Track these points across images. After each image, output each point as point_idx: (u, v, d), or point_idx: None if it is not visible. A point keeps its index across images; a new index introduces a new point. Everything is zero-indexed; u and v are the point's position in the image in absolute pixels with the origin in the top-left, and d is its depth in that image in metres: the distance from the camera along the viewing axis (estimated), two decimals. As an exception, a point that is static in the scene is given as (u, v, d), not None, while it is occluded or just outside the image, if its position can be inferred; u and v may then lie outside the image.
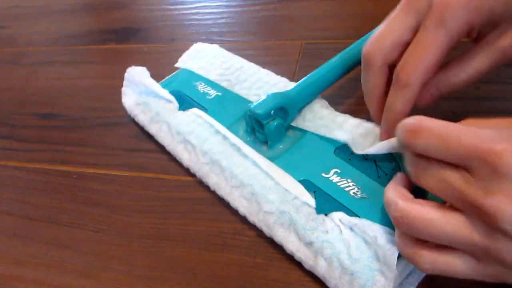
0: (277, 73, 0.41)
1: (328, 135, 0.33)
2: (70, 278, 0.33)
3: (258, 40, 0.51)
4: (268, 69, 0.42)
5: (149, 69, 0.43)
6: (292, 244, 0.29)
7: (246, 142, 0.35)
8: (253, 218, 0.31)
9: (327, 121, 0.34)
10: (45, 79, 0.54)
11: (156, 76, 0.43)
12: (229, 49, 0.46)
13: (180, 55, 0.47)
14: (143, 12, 0.62)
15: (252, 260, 0.31)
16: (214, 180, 0.34)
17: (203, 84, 0.42)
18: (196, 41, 0.49)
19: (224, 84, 0.41)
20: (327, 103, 0.36)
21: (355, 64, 0.35)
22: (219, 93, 0.40)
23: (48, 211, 0.38)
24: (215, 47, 0.46)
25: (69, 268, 0.34)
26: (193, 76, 0.44)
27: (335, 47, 0.45)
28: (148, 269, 0.32)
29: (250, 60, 0.44)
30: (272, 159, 0.33)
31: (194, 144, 0.36)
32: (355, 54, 0.36)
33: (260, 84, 0.39)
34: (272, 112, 0.33)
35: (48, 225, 0.37)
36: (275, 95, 0.34)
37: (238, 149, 0.34)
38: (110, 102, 0.47)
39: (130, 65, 0.44)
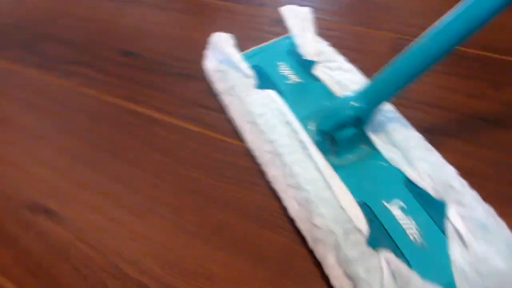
0: (362, 67, 0.39)
1: (399, 166, 0.30)
2: (121, 212, 0.34)
3: (348, 23, 0.49)
4: (353, 57, 0.40)
5: (232, 29, 0.43)
6: (330, 268, 0.27)
7: (315, 141, 0.33)
8: (300, 224, 0.30)
9: (400, 150, 0.31)
10: (131, 17, 0.55)
11: (237, 38, 0.43)
12: (316, 26, 0.44)
13: (267, 22, 0.46)
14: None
15: (299, 249, 0.30)
16: (273, 172, 0.33)
17: (285, 66, 0.41)
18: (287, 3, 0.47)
19: (318, 72, 0.39)
20: (404, 122, 0.33)
21: (441, 54, 0.27)
22: (301, 80, 0.39)
23: (113, 145, 0.40)
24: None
25: (122, 202, 0.35)
26: (278, 54, 0.42)
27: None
28: (194, 225, 0.33)
29: (335, 43, 0.42)
30: (336, 168, 0.31)
31: (261, 128, 0.34)
32: (441, 41, 0.27)
33: (350, 83, 0.37)
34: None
35: (111, 158, 0.39)
36: (344, 105, 0.31)
37: (304, 147, 0.32)
38: (189, 53, 0.48)
39: (215, 21, 0.43)
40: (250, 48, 0.45)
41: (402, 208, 0.28)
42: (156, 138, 0.40)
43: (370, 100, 0.30)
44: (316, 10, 0.50)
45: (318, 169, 0.31)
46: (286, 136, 0.33)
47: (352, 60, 0.41)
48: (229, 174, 0.36)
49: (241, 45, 0.43)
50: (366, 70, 0.40)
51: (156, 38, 0.51)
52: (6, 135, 0.43)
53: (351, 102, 0.31)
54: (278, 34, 0.46)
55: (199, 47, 0.46)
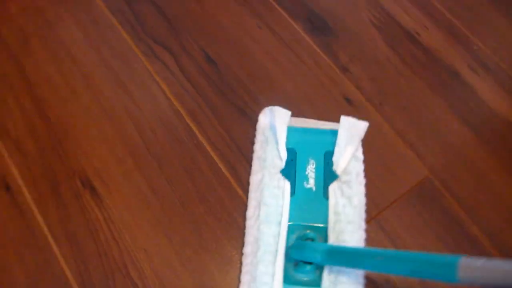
0: (378, 202, 0.44)
1: None
2: (146, 221, 0.43)
3: (400, 137, 0.49)
4: (380, 181, 0.44)
5: (302, 83, 0.45)
6: None
7: (288, 247, 0.40)
8: None
9: None
10: (231, 20, 0.55)
11: (301, 93, 0.45)
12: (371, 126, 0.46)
13: (337, 93, 0.48)
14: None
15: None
16: (248, 251, 0.41)
17: (313, 167, 0.45)
18: (366, 77, 0.49)
19: (332, 190, 0.43)
20: (357, 278, 0.39)
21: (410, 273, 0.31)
22: (314, 188, 0.44)
23: (162, 153, 0.46)
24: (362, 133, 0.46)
25: (149, 213, 0.44)
26: (316, 149, 0.46)
27: (458, 216, 0.44)
28: (190, 263, 0.42)
29: (376, 153, 0.45)
30: (288, 280, 0.39)
31: (260, 215, 0.41)
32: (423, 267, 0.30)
33: (344, 221, 0.42)
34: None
35: (156, 166, 0.46)
36: (317, 251, 0.38)
37: (276, 253, 0.40)
38: (261, 92, 0.50)
39: (301, 66, 0.47)
40: (305, 111, 0.48)
41: None
42: (196, 168, 0.46)
43: (338, 261, 0.37)
44: (385, 102, 0.50)
45: (273, 278, 0.39)
46: (272, 236, 0.41)
47: (374, 186, 0.45)
48: (236, 233, 0.43)
49: (300, 104, 0.47)
50: (379, 205, 0.44)
51: (243, 56, 0.52)
52: (85, 96, 0.49)
53: (324, 253, 0.37)
54: (339, 113, 0.47)
55: (271, 91, 0.50)
